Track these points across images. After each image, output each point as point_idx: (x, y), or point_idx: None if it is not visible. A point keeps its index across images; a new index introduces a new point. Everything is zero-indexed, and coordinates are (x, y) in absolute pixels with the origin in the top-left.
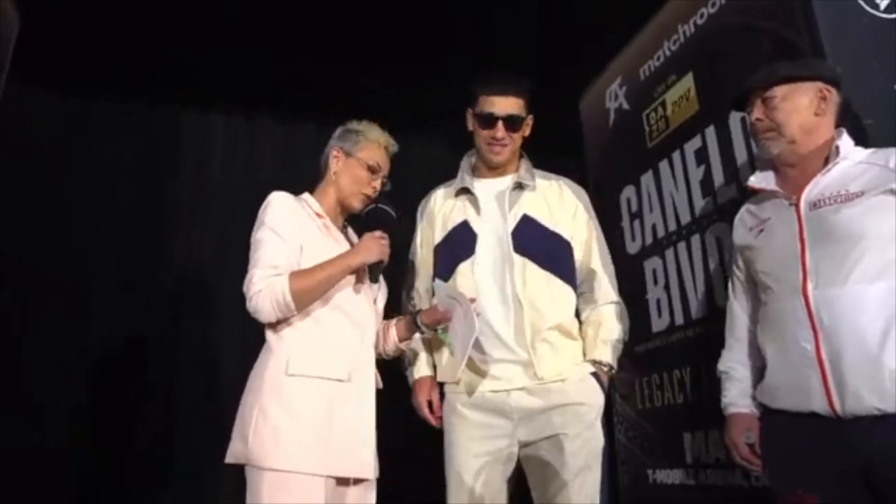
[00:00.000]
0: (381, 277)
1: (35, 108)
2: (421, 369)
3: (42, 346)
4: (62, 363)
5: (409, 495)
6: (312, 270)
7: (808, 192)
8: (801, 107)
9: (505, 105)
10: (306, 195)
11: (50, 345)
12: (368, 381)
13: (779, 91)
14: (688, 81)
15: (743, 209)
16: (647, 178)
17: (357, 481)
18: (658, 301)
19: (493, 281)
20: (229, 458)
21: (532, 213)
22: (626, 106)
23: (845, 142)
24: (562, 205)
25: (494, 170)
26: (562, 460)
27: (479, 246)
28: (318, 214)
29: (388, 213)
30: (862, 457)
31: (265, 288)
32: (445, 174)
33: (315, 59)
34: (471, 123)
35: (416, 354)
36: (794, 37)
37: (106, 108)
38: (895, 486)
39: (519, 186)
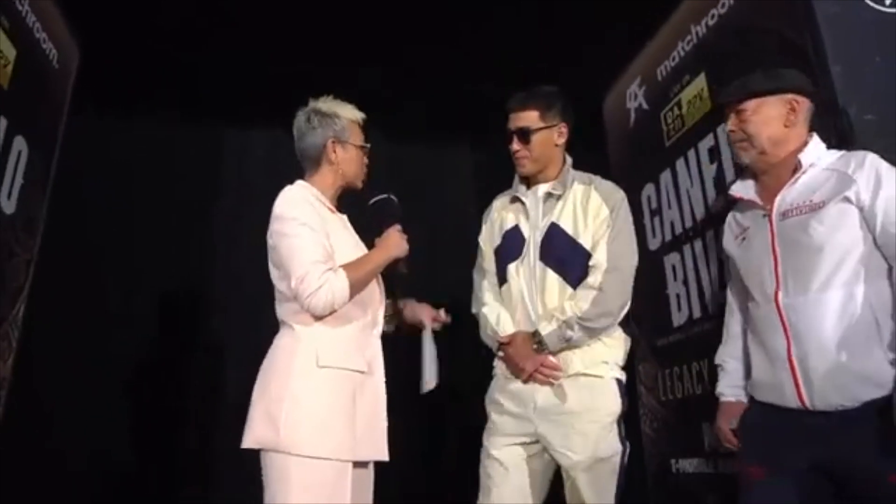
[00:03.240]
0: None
1: (86, 127)
2: (506, 328)
3: (89, 349)
4: (114, 362)
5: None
6: (360, 266)
7: (779, 203)
8: (771, 119)
9: (516, 120)
10: (309, 186)
11: (103, 344)
12: (381, 370)
13: (749, 105)
14: (701, 81)
15: (730, 216)
16: (665, 177)
17: (363, 463)
18: (678, 296)
19: (532, 282)
20: (252, 444)
21: (559, 222)
22: (644, 106)
23: (810, 151)
24: (588, 209)
25: (536, 179)
26: (568, 456)
27: (528, 248)
28: (329, 209)
29: (394, 204)
30: (826, 446)
31: (325, 284)
32: (460, 173)
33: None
34: None
35: (497, 315)
36: (795, 35)
37: (155, 123)
38: (854, 472)
39: (550, 196)
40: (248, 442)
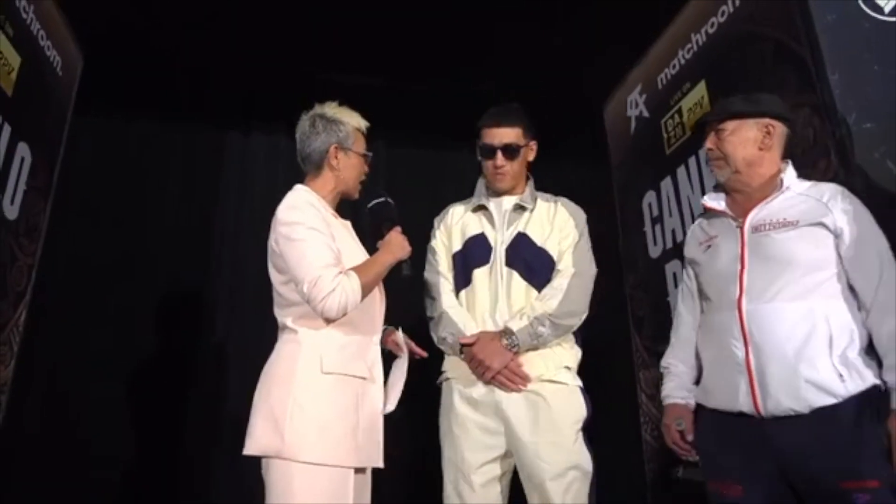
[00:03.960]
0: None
1: (90, 130)
2: (471, 330)
3: (98, 350)
4: (115, 367)
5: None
6: (369, 268)
7: (753, 217)
8: (747, 140)
9: (502, 136)
10: (310, 191)
11: (104, 349)
12: (381, 377)
13: (728, 125)
14: (701, 89)
15: (695, 224)
16: (666, 184)
17: (361, 469)
18: None
19: (499, 285)
20: (255, 451)
21: (526, 231)
22: (645, 114)
23: (790, 174)
24: (554, 223)
25: (502, 191)
26: (539, 465)
27: (495, 255)
28: (332, 213)
29: (391, 206)
30: (780, 451)
31: (338, 287)
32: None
33: (355, 71)
34: (478, 154)
35: (463, 318)
36: (793, 43)
37: (156, 128)
38: (807, 478)
39: (519, 208)
40: (250, 449)
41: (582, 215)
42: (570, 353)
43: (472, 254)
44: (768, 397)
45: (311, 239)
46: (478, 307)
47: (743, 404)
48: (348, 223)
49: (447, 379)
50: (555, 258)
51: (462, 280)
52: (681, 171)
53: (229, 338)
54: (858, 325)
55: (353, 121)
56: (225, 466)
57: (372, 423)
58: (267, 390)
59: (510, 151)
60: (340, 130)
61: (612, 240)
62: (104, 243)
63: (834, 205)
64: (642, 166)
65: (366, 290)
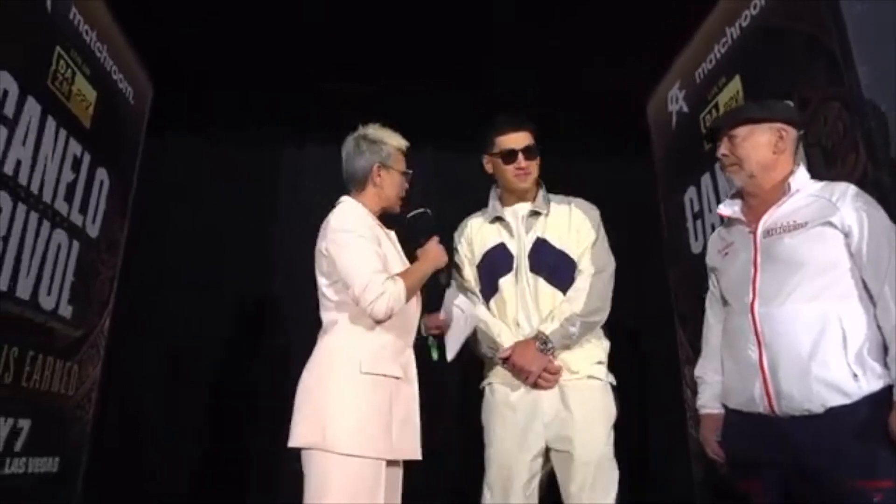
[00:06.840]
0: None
1: (158, 152)
2: (508, 340)
3: (165, 355)
4: (184, 370)
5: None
6: (412, 274)
7: (764, 222)
8: (760, 145)
9: (522, 139)
10: (358, 203)
11: (171, 354)
12: (415, 376)
13: (741, 131)
14: (736, 83)
15: (715, 233)
16: (705, 179)
17: (395, 462)
18: None
19: (526, 291)
20: (299, 444)
21: (545, 236)
22: (685, 109)
23: (798, 177)
24: (570, 225)
25: (517, 198)
26: (574, 461)
27: (518, 262)
28: (378, 224)
29: (429, 217)
30: (796, 450)
31: (386, 291)
32: None
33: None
34: (491, 165)
35: (499, 328)
36: (823, 36)
37: (219, 147)
38: (822, 476)
39: (534, 214)
40: (294, 441)
41: (596, 213)
42: (601, 348)
43: (495, 264)
44: (782, 398)
45: (361, 247)
46: (508, 314)
47: (758, 406)
48: (392, 233)
49: (489, 383)
50: (575, 259)
51: (488, 290)
52: (719, 166)
53: (291, 342)
54: (875, 323)
55: (395, 141)
56: (291, 462)
57: (406, 419)
58: (309, 387)
59: (531, 152)
60: (382, 150)
61: (655, 235)
62: (176, 254)
63: (842, 203)
64: (683, 161)
65: (410, 294)
